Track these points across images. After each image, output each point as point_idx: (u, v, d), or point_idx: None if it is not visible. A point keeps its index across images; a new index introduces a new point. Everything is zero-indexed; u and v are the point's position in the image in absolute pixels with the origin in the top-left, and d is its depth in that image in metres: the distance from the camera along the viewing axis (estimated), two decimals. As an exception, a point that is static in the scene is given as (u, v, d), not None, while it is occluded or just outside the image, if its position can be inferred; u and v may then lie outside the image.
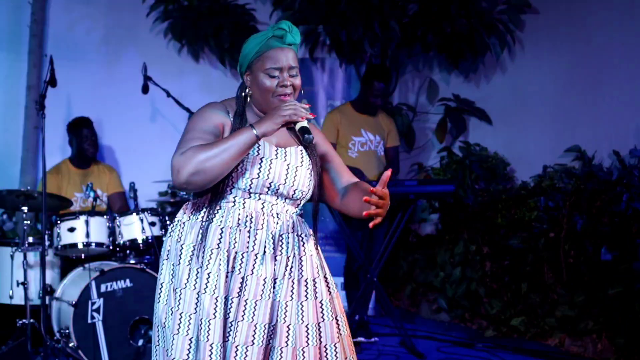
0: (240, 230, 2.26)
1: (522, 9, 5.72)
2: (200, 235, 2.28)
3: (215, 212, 2.28)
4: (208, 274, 2.24)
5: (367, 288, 4.76)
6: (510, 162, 5.63)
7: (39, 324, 4.16)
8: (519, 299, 5.04)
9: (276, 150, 2.31)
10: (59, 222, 4.43)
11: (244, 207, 2.28)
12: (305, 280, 2.31)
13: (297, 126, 2.21)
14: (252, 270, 2.25)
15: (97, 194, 4.65)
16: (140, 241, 4.51)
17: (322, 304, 2.33)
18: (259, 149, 2.28)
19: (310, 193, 2.37)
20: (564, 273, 4.85)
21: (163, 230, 4.62)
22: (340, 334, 2.35)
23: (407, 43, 5.87)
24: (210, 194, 2.29)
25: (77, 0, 5.98)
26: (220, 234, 2.26)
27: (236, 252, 2.26)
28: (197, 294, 2.24)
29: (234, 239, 2.26)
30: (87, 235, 4.39)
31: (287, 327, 2.26)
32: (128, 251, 4.61)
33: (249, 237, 2.27)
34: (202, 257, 2.26)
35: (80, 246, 4.40)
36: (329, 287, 2.37)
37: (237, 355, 2.21)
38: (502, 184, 5.41)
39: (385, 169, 5.17)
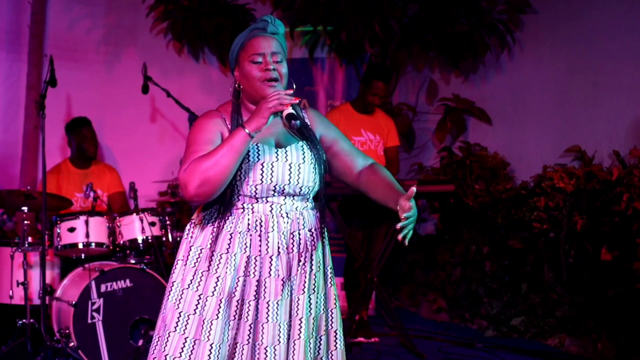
0: (251, 235, 2.32)
1: (522, 9, 5.72)
2: (210, 241, 2.33)
3: (226, 218, 2.33)
4: (217, 277, 2.30)
5: (367, 288, 4.76)
6: (510, 162, 5.63)
7: (39, 324, 4.16)
8: (519, 299, 5.04)
9: (276, 152, 2.33)
10: (59, 222, 4.43)
11: (253, 212, 2.32)
12: (314, 274, 2.39)
13: (284, 114, 2.22)
14: (269, 272, 2.31)
15: (97, 194, 4.65)
16: (140, 241, 4.51)
17: (316, 298, 2.41)
18: (259, 155, 2.31)
19: (318, 185, 2.40)
20: (564, 273, 4.86)
21: (163, 230, 4.62)
22: (327, 328, 2.46)
23: (407, 43, 5.86)
24: (219, 202, 2.33)
25: (77, 0, 5.99)
26: (230, 239, 2.31)
27: (248, 257, 2.31)
28: (199, 296, 2.29)
29: (244, 244, 2.31)
30: (87, 235, 4.39)
31: (300, 320, 2.35)
32: (128, 251, 4.61)
33: (260, 240, 2.32)
34: (211, 261, 2.31)
35: (80, 246, 4.40)
36: (327, 281, 2.46)
37: (267, 356, 2.28)
38: (502, 184, 5.41)
39: (386, 168, 5.18)
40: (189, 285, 2.31)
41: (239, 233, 2.31)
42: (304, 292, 2.35)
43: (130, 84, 5.47)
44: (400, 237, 2.23)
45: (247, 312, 2.30)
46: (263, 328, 2.28)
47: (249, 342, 2.30)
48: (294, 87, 2.30)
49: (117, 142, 6.01)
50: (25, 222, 4.39)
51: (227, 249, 2.31)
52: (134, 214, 4.53)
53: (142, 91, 4.72)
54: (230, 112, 2.37)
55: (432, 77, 6.32)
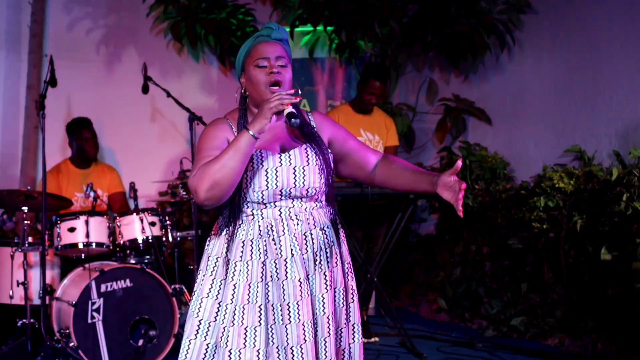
0: (264, 240, 2.35)
1: (522, 9, 5.72)
2: (224, 249, 2.38)
3: (238, 226, 2.37)
4: (234, 285, 2.34)
5: (367, 288, 4.76)
6: (510, 162, 5.63)
7: (39, 324, 4.16)
8: (519, 299, 5.04)
9: (280, 157, 2.36)
10: (59, 222, 4.42)
11: (263, 218, 2.36)
12: (332, 270, 2.42)
13: (285, 112, 2.23)
14: (285, 274, 2.34)
15: (97, 194, 4.65)
16: (140, 241, 4.51)
17: (335, 293, 2.44)
18: (263, 161, 2.34)
19: (325, 186, 2.42)
20: (564, 273, 4.85)
21: (163, 230, 4.62)
22: (347, 322, 2.49)
23: (407, 43, 5.86)
24: (229, 210, 2.38)
25: (77, 0, 5.99)
26: (242, 247, 2.35)
27: (263, 262, 2.34)
28: (219, 304, 2.35)
29: (258, 250, 2.35)
30: (87, 235, 4.39)
31: (327, 318, 2.37)
32: (128, 251, 4.61)
33: (274, 244, 2.35)
34: (227, 270, 2.36)
35: (80, 246, 4.40)
36: (345, 276, 2.48)
37: (293, 356, 2.31)
38: (502, 184, 5.41)
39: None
40: (207, 294, 2.37)
41: (252, 240, 2.35)
42: (327, 289, 2.38)
43: (130, 84, 5.48)
44: (460, 210, 2.29)
45: (269, 317, 2.33)
46: (287, 329, 2.32)
47: (273, 344, 2.33)
48: (299, 91, 2.31)
49: (117, 142, 6.01)
50: (25, 222, 4.39)
51: (241, 256, 2.35)
52: (134, 214, 4.53)
53: (142, 91, 4.72)
54: (237, 119, 2.41)
55: (432, 77, 6.32)
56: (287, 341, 2.32)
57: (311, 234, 2.38)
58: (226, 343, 2.31)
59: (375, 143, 5.18)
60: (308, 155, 2.40)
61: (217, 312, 2.35)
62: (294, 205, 2.37)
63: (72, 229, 4.41)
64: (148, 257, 4.66)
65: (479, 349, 4.71)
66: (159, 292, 4.34)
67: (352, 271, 2.53)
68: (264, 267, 2.34)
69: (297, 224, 2.37)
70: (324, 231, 2.42)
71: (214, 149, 2.30)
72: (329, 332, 2.37)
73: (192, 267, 4.68)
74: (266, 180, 2.33)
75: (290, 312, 2.32)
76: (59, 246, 4.40)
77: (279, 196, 2.35)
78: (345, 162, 2.52)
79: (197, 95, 6.04)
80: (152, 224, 4.55)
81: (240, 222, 2.37)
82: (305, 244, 2.37)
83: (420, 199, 5.36)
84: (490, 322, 5.15)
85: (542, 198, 4.82)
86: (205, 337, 2.34)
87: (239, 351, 2.30)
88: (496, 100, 6.00)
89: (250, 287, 2.33)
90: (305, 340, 2.32)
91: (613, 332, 4.42)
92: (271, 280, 2.34)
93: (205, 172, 2.22)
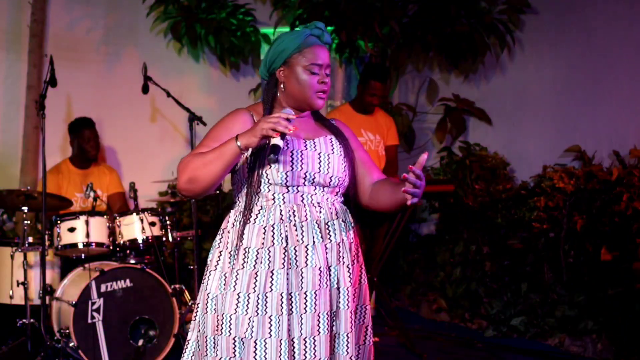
0: (285, 225, 2.28)
1: (522, 9, 5.72)
2: (242, 238, 2.30)
3: (257, 212, 2.30)
4: (255, 273, 2.26)
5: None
6: (510, 162, 5.63)
7: (39, 324, 4.16)
8: (519, 299, 5.04)
9: (305, 142, 2.33)
10: (59, 222, 4.42)
11: (285, 203, 2.29)
12: (350, 266, 2.36)
13: (271, 142, 2.17)
14: (305, 262, 2.27)
15: (97, 194, 4.65)
16: (140, 241, 4.50)
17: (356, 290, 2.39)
18: (288, 143, 2.29)
19: (347, 180, 2.38)
20: (564, 273, 4.86)
21: (163, 230, 4.62)
22: (359, 323, 2.44)
23: (407, 43, 5.86)
24: (246, 195, 2.32)
25: (77, 0, 5.99)
26: (264, 233, 2.28)
27: (286, 248, 2.27)
28: (238, 295, 2.26)
29: (280, 236, 2.27)
30: (87, 235, 4.39)
31: (350, 312, 2.31)
32: (128, 251, 4.61)
33: (295, 230, 2.28)
34: (245, 259, 2.28)
35: (80, 246, 4.40)
36: (362, 276, 2.45)
37: (306, 347, 2.24)
38: (502, 184, 5.41)
39: (385, 168, 5.17)
40: (223, 287, 2.29)
41: (273, 225, 2.28)
42: (351, 283, 2.33)
43: (130, 84, 5.47)
44: (408, 201, 2.19)
45: (293, 305, 2.25)
46: (302, 319, 2.25)
47: (301, 334, 2.26)
48: (293, 116, 2.19)
49: (117, 142, 6.01)
50: (25, 222, 4.39)
51: (263, 243, 2.28)
52: (134, 214, 4.53)
53: (142, 91, 4.72)
54: (263, 112, 2.36)
55: (432, 77, 6.32)
56: (300, 331, 2.24)
57: (333, 224, 2.33)
58: (251, 334, 2.23)
59: (377, 143, 5.17)
60: (333, 144, 2.38)
61: (237, 304, 2.25)
62: (316, 193, 2.32)
63: (72, 229, 4.40)
64: (148, 257, 4.65)
65: (479, 349, 4.70)
66: (159, 292, 4.34)
67: (365, 273, 2.49)
68: (285, 254, 2.26)
69: (320, 212, 2.31)
70: (345, 224, 2.37)
71: (218, 141, 2.25)
72: (351, 327, 2.31)
73: (192, 267, 4.68)
74: (291, 161, 2.28)
75: (307, 301, 2.26)
76: (59, 246, 4.39)
77: (303, 180, 2.29)
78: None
79: (197, 95, 6.04)
80: (152, 224, 4.55)
81: (260, 208, 2.30)
82: (328, 233, 2.32)
83: (421, 199, 5.35)
84: (490, 322, 5.15)
85: (542, 198, 4.82)
86: (229, 331, 2.25)
87: (264, 341, 2.22)
88: (496, 100, 6.00)
89: (273, 274, 2.25)
90: (319, 332, 2.25)
91: (613, 332, 4.42)
92: (290, 268, 2.26)
93: (190, 164, 2.21)
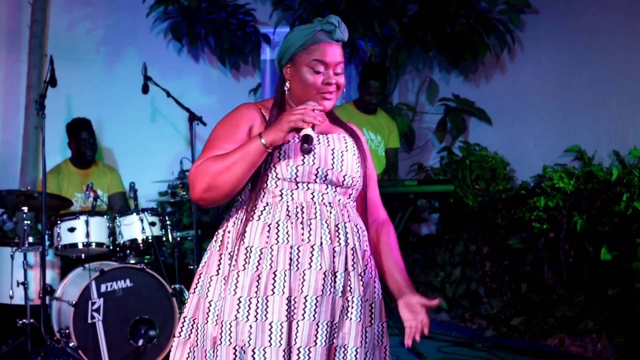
0: (291, 222, 2.09)
1: (522, 9, 5.72)
2: (243, 237, 2.11)
3: (262, 209, 2.11)
4: (258, 275, 2.07)
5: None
6: (510, 162, 5.63)
7: (39, 324, 4.16)
8: (519, 299, 5.04)
9: (318, 137, 2.15)
10: (59, 222, 4.43)
11: (293, 199, 2.10)
12: (361, 275, 2.16)
13: (302, 132, 2.03)
14: (309, 263, 2.07)
15: (97, 194, 4.65)
16: (140, 241, 4.51)
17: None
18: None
19: (361, 181, 2.22)
20: (564, 273, 4.86)
21: (163, 230, 4.62)
22: (376, 343, 2.29)
23: (407, 43, 5.87)
24: (250, 191, 2.14)
25: (77, 0, 5.98)
26: (268, 231, 2.09)
27: (291, 247, 2.08)
28: (239, 299, 2.06)
29: (285, 233, 2.08)
30: (87, 235, 4.39)
31: (362, 325, 2.12)
32: (128, 251, 4.61)
33: (302, 228, 2.09)
34: (247, 259, 2.09)
35: (80, 246, 4.40)
36: (376, 290, 2.24)
37: (299, 358, 2.04)
38: (502, 184, 5.41)
39: (384, 171, 5.19)
40: (221, 291, 2.10)
41: (278, 222, 2.08)
42: (363, 293, 2.13)
43: (130, 84, 5.47)
44: (407, 341, 2.22)
45: (293, 310, 2.05)
46: (298, 326, 2.04)
47: (295, 343, 2.05)
48: (319, 107, 2.10)
49: (117, 142, 6.01)
50: (25, 222, 4.39)
51: (266, 242, 2.08)
52: (134, 214, 4.53)
53: (142, 91, 4.72)
54: (271, 106, 2.19)
55: (432, 77, 6.32)
56: (295, 340, 2.03)
57: (345, 227, 2.13)
58: (248, 342, 2.02)
59: (377, 143, 5.18)
60: (346, 142, 2.23)
61: (237, 310, 2.05)
62: (327, 192, 2.13)
63: (72, 229, 4.41)
64: (148, 257, 4.66)
65: (479, 349, 4.70)
66: (159, 292, 4.34)
67: (380, 287, 2.25)
68: (291, 253, 2.07)
69: (330, 212, 2.12)
70: (357, 228, 2.18)
71: (230, 140, 2.09)
72: (362, 342, 2.11)
73: (192, 267, 4.68)
74: (303, 156, 2.09)
75: (306, 307, 2.04)
76: (59, 246, 4.40)
77: (314, 176, 2.10)
78: None
79: (197, 95, 6.03)
80: (152, 224, 4.55)
81: (265, 205, 2.11)
82: (338, 235, 2.11)
83: (421, 199, 5.36)
84: (490, 322, 5.16)
85: (542, 198, 4.82)
86: (229, 340, 2.05)
87: (263, 350, 2.01)
88: (496, 100, 6.00)
89: (275, 275, 2.05)
90: (316, 344, 2.04)
91: (613, 332, 4.42)
92: (296, 270, 2.06)
93: (207, 171, 2.02)
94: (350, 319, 2.10)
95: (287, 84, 2.19)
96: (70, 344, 4.11)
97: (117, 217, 4.55)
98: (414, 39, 5.84)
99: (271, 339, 2.02)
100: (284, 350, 2.02)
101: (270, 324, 2.03)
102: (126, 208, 5.22)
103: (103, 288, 4.22)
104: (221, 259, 2.15)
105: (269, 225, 2.09)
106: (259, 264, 2.07)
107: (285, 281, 2.05)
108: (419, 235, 6.25)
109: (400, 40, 5.80)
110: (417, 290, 2.30)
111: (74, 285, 4.30)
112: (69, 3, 5.96)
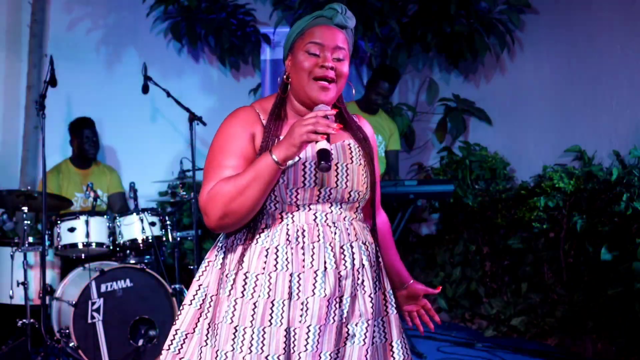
0: (291, 247, 1.94)
1: (522, 9, 5.72)
2: (241, 260, 1.97)
3: (260, 231, 1.97)
4: (254, 304, 1.92)
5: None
6: (510, 162, 5.63)
7: (39, 324, 4.16)
8: (519, 299, 5.04)
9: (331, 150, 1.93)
10: (59, 222, 4.43)
11: (293, 222, 1.95)
12: (371, 295, 2.02)
13: (317, 147, 1.82)
14: (312, 290, 1.92)
15: (97, 194, 4.65)
16: (140, 241, 4.51)
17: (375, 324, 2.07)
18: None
19: (368, 192, 2.05)
20: (564, 273, 4.86)
21: (163, 230, 4.62)
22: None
23: (407, 43, 5.87)
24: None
25: (77, 0, 5.98)
26: (266, 256, 1.95)
27: (291, 275, 1.93)
28: (235, 328, 1.92)
29: (285, 259, 1.94)
30: (87, 235, 4.39)
31: (367, 350, 1.99)
32: (128, 251, 4.61)
33: (303, 253, 1.94)
34: (246, 285, 1.94)
35: (80, 246, 4.40)
36: (387, 306, 2.11)
37: None
38: (502, 184, 5.41)
39: (385, 172, 5.20)
40: (223, 317, 1.95)
41: (277, 247, 1.94)
42: (373, 316, 2.00)
43: (130, 84, 5.47)
44: (419, 327, 2.21)
45: (292, 342, 1.91)
46: (300, 358, 1.90)
47: None
48: (331, 112, 1.87)
49: (117, 142, 6.01)
50: (25, 222, 4.39)
51: (264, 268, 1.93)
52: (134, 214, 4.53)
53: (142, 91, 4.72)
54: (272, 107, 2.01)
55: (432, 77, 6.32)
56: None
57: (350, 247, 1.98)
58: None
59: (378, 143, 5.18)
60: (352, 151, 2.03)
61: (233, 340, 1.92)
62: (331, 211, 1.98)
63: (72, 229, 4.41)
64: (148, 257, 4.66)
65: (479, 349, 4.71)
66: (159, 292, 4.34)
67: (394, 301, 2.12)
68: (291, 281, 1.92)
69: (335, 234, 1.96)
70: (366, 246, 2.03)
71: (232, 154, 1.93)
72: None
73: (192, 267, 4.68)
74: (303, 177, 1.93)
75: (309, 337, 1.90)
76: (59, 246, 4.40)
77: (317, 197, 1.95)
78: None
79: (197, 95, 6.04)
80: (152, 224, 4.55)
81: (264, 227, 1.96)
82: (343, 258, 1.96)
83: (421, 199, 5.36)
84: (490, 322, 5.16)
85: (542, 198, 4.82)
86: None
87: None
88: (496, 100, 6.00)
89: (273, 305, 1.91)
90: None
91: (613, 332, 4.42)
92: (297, 299, 1.92)
93: (219, 197, 1.87)
94: (354, 342, 1.98)
95: (286, 76, 2.03)
96: (70, 344, 4.11)
97: (117, 217, 4.55)
98: (414, 39, 5.84)
99: None
100: None
101: (266, 357, 1.90)
102: (125, 208, 5.22)
103: (103, 288, 4.22)
104: (221, 280, 2.01)
105: (267, 250, 1.95)
106: (255, 291, 1.93)
107: (283, 311, 1.91)
108: (419, 235, 6.25)
109: (400, 40, 5.80)
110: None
111: (74, 285, 4.30)
112: (69, 3, 5.96)
